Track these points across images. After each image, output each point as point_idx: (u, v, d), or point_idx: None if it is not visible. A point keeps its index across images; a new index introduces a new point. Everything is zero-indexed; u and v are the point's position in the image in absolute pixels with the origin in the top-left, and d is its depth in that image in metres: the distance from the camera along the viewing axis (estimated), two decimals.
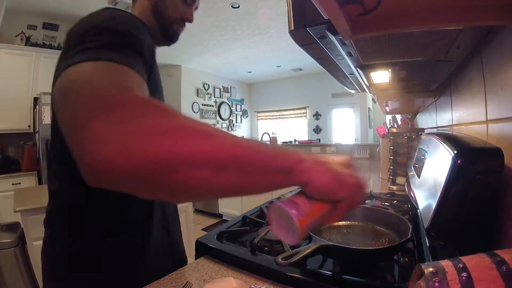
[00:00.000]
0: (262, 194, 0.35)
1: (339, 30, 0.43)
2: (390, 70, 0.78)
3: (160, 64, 5.00)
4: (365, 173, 2.08)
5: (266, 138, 4.11)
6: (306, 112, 6.52)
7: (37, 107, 2.81)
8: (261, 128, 7.12)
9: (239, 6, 2.98)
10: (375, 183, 1.67)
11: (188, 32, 3.55)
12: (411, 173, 0.93)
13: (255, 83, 7.13)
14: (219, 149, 0.29)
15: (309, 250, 0.48)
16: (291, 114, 6.76)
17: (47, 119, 2.68)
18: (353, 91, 1.36)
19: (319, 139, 5.48)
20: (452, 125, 0.88)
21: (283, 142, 4.13)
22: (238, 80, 6.80)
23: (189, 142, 0.28)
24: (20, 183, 2.77)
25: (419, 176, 0.74)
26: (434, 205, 0.49)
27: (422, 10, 0.40)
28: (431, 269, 0.27)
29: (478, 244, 0.44)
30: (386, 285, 0.45)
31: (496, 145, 0.48)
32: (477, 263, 0.26)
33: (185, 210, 2.08)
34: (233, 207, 3.51)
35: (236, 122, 6.78)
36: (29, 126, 3.03)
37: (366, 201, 0.97)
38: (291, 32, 0.56)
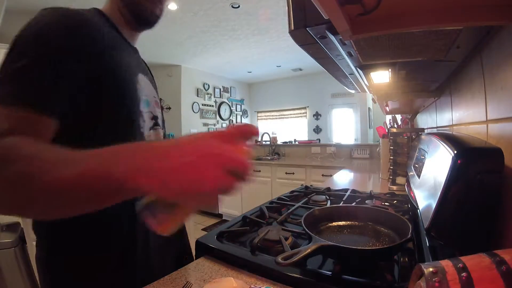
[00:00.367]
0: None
1: (339, 30, 0.43)
2: (390, 70, 0.78)
3: (160, 64, 5.01)
4: (365, 173, 2.08)
5: (266, 138, 4.11)
6: (306, 112, 6.52)
7: None
8: (261, 128, 7.11)
9: (239, 6, 2.98)
10: (375, 183, 1.67)
11: (188, 32, 3.53)
12: (411, 173, 0.93)
13: (255, 83, 7.13)
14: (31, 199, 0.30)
15: (309, 250, 0.48)
16: (291, 114, 6.76)
17: None
18: (353, 91, 1.36)
19: (319, 139, 5.49)
20: (452, 125, 0.88)
21: (283, 142, 4.13)
22: (238, 80, 6.80)
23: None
24: None
25: (419, 176, 0.74)
26: (434, 205, 0.49)
27: (422, 10, 0.40)
28: (431, 269, 0.27)
29: (478, 244, 0.44)
30: (386, 285, 0.45)
31: (496, 145, 0.48)
32: (477, 263, 0.26)
33: None
34: (233, 207, 3.51)
35: (236, 122, 6.78)
36: None
37: (366, 201, 0.97)
38: (291, 32, 0.56)
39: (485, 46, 0.58)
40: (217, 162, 0.28)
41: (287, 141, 4.39)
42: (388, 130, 1.55)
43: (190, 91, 5.46)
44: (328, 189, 1.19)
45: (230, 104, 6.51)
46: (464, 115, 0.75)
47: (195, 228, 3.11)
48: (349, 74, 0.91)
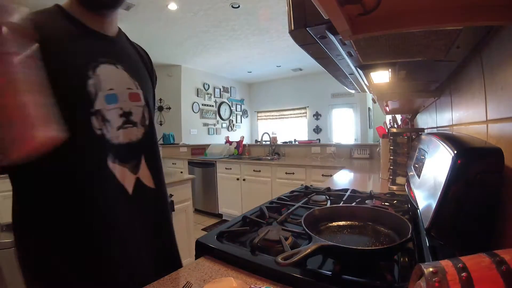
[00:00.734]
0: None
1: (339, 30, 0.43)
2: (390, 70, 0.78)
3: (160, 64, 5.01)
4: (364, 173, 2.08)
5: (266, 138, 4.11)
6: (306, 112, 6.52)
7: None
8: (261, 128, 7.12)
9: (239, 6, 2.98)
10: (375, 183, 1.67)
11: (188, 32, 3.53)
12: (411, 173, 0.93)
13: (255, 83, 7.13)
14: None
15: (309, 250, 0.48)
16: (291, 114, 6.76)
17: None
18: (353, 91, 1.36)
19: (319, 139, 5.49)
20: (452, 125, 0.88)
21: (283, 142, 4.13)
22: (238, 80, 6.80)
23: None
24: None
25: (419, 176, 0.74)
26: (434, 205, 0.49)
27: (422, 10, 0.40)
28: (431, 269, 0.27)
29: (478, 244, 0.44)
30: (386, 285, 0.45)
31: (496, 145, 0.48)
32: (477, 263, 0.26)
33: (185, 210, 2.09)
34: (233, 207, 3.51)
35: (236, 122, 6.78)
36: None
37: (366, 201, 0.97)
38: (291, 32, 0.56)
39: (485, 46, 0.58)
40: None
41: (287, 141, 4.39)
42: (388, 130, 1.55)
43: (190, 91, 5.46)
44: (328, 189, 1.19)
45: (230, 104, 6.51)
46: (464, 115, 0.75)
47: (195, 228, 3.11)
48: (349, 74, 0.91)
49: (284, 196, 1.09)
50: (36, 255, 0.53)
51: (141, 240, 0.62)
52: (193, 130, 5.51)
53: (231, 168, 3.47)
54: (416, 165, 0.83)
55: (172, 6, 2.94)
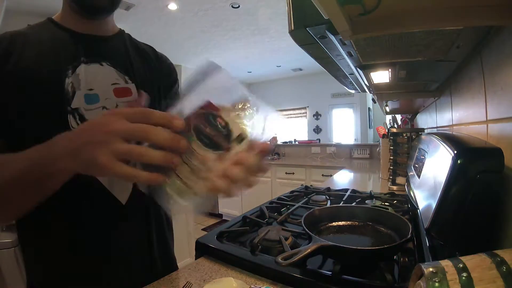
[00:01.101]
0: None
1: (339, 30, 0.43)
2: (390, 70, 0.78)
3: None
4: (364, 173, 2.08)
5: None
6: (306, 112, 6.52)
7: None
8: None
9: (239, 6, 2.98)
10: (375, 183, 1.67)
11: (188, 32, 3.52)
12: (411, 173, 0.93)
13: (255, 83, 7.13)
14: None
15: (309, 250, 0.48)
16: (291, 114, 6.76)
17: None
18: (353, 91, 1.36)
19: (319, 139, 5.48)
20: (452, 125, 0.88)
21: (283, 142, 4.13)
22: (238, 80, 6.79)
23: None
24: None
25: (419, 176, 0.74)
26: (434, 205, 0.49)
27: (422, 10, 0.40)
28: (431, 269, 0.27)
29: (478, 244, 0.44)
30: (386, 285, 0.45)
31: (496, 145, 0.48)
32: (477, 263, 0.26)
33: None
34: (233, 207, 3.51)
35: None
36: None
37: (366, 201, 0.97)
38: (291, 32, 0.56)
39: (485, 46, 0.58)
40: (104, 131, 0.32)
41: (287, 141, 4.39)
42: (388, 130, 1.55)
43: None
44: (328, 189, 1.19)
45: None
46: (464, 115, 0.75)
47: (195, 228, 3.11)
48: (349, 74, 0.91)
49: (284, 196, 1.09)
50: (36, 254, 0.54)
51: (134, 247, 0.60)
52: None
53: None
54: (416, 165, 0.83)
55: (172, 6, 2.93)
